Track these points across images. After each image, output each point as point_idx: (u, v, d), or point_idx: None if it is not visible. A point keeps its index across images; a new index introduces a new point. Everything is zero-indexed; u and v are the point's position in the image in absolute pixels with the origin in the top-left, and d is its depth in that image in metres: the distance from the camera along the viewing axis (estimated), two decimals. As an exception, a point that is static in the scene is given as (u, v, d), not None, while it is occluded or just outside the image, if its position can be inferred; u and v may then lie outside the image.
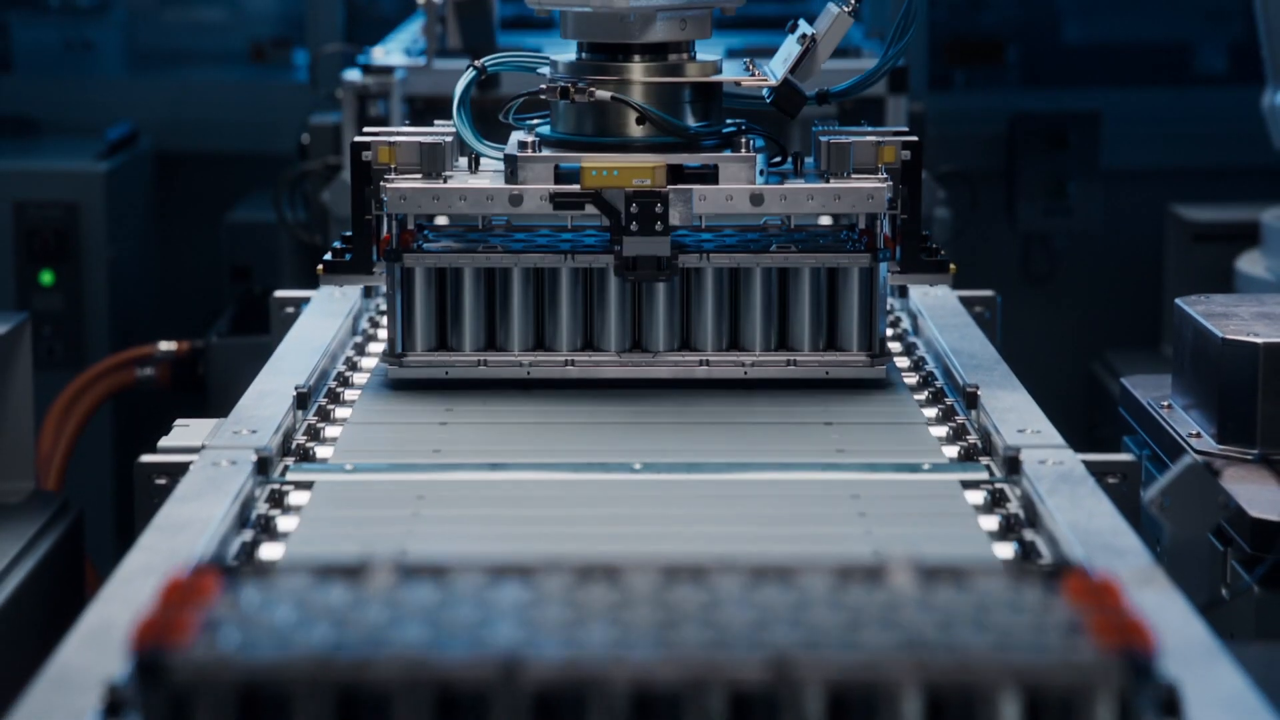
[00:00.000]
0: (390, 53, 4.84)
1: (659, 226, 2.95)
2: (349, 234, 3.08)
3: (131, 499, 2.66)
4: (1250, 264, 4.65)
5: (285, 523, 2.45)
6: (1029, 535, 2.38)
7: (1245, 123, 5.23)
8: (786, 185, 3.01)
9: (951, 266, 3.09)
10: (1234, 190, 5.66)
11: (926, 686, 1.58)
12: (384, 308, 3.65)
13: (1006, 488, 2.56)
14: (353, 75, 4.63)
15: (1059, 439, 2.67)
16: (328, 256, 3.10)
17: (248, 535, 2.37)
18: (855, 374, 2.99)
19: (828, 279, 3.00)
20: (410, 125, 4.40)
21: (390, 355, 3.01)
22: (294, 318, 3.46)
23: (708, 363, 3.00)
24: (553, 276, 2.99)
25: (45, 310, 5.27)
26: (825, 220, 3.66)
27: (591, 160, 2.96)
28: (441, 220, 3.56)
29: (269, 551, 2.34)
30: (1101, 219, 6.11)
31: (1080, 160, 6.06)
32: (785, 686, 1.56)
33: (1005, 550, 2.35)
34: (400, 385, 3.00)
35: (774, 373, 2.99)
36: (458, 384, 3.00)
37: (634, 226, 2.95)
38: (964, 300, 3.58)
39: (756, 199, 2.99)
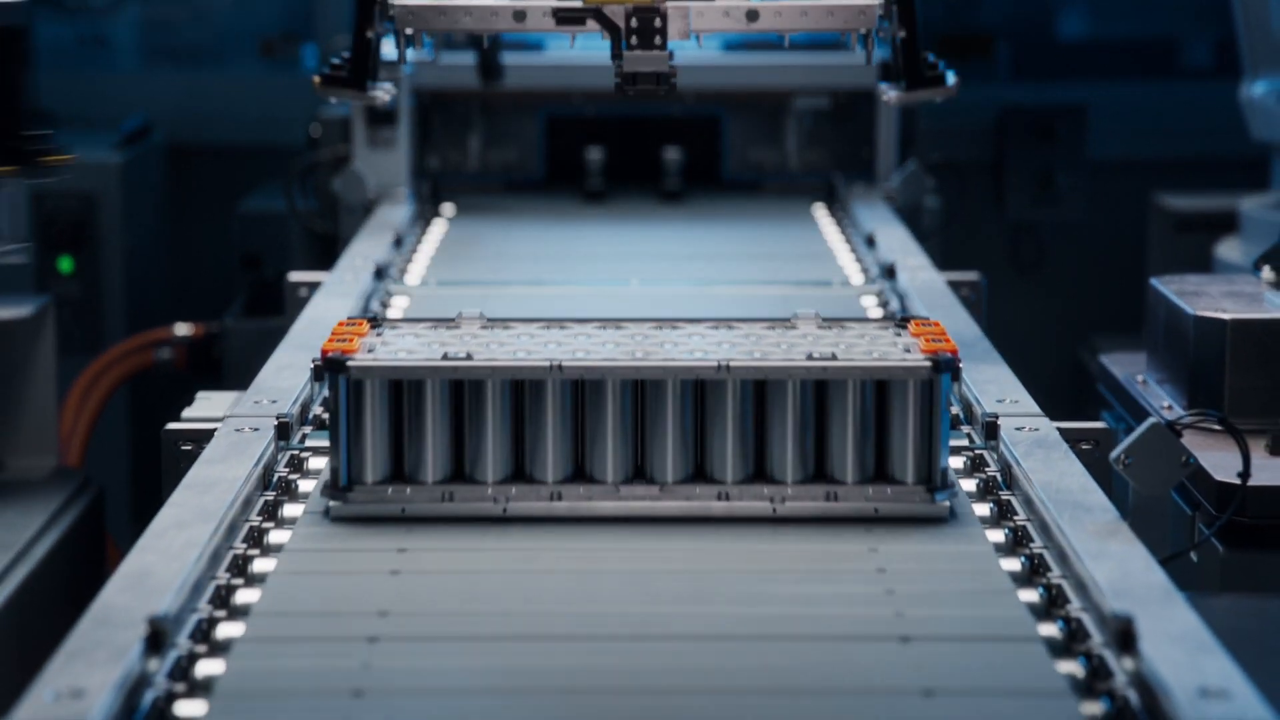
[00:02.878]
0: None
1: (658, 41, 3.02)
2: (347, 53, 3.14)
3: (148, 478, 2.77)
4: (1229, 250, 4.77)
5: (305, 485, 2.59)
6: (1004, 495, 2.52)
7: (1227, 115, 5.35)
8: (781, 1, 3.09)
9: (950, 78, 3.12)
10: (1215, 180, 5.77)
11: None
12: (396, 288, 3.80)
13: (985, 453, 2.70)
14: (361, 69, 4.74)
15: (1035, 408, 2.80)
16: (326, 71, 3.15)
17: (270, 495, 2.51)
18: (911, 510, 2.44)
19: (876, 393, 2.46)
20: (417, 119, 4.53)
21: (332, 489, 2.45)
22: (307, 299, 3.60)
23: (727, 496, 2.45)
24: (536, 391, 2.45)
25: (64, 296, 5.36)
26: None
27: None
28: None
29: (291, 511, 2.49)
30: (1087, 208, 6.23)
31: (1067, 152, 6.18)
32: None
33: (982, 510, 2.50)
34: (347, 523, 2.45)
35: (810, 508, 2.45)
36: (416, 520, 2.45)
37: (633, 40, 3.02)
38: (950, 283, 3.72)
39: (752, 15, 3.09)
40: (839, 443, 2.46)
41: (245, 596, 2.19)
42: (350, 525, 2.42)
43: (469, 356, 2.45)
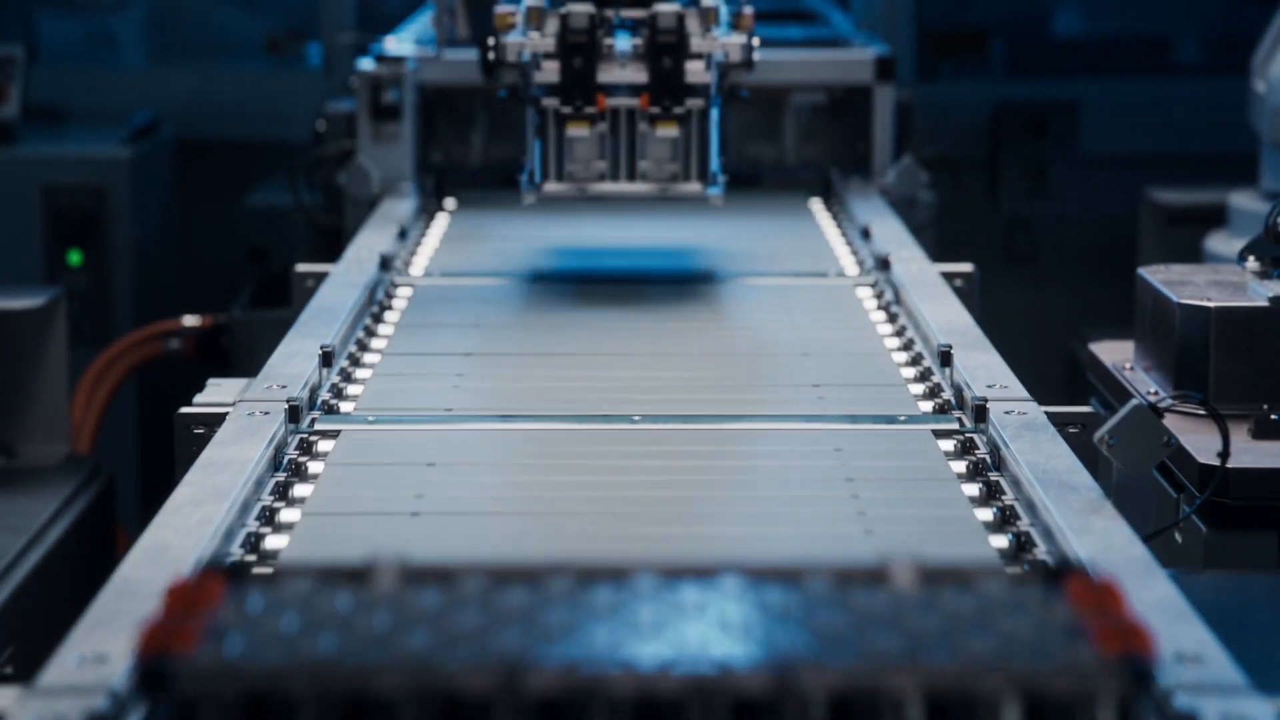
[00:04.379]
0: (402, 43, 5.01)
1: None
2: None
3: (158, 464, 2.83)
4: (1218, 243, 4.84)
5: (314, 466, 2.67)
6: (993, 476, 2.59)
7: (1217, 110, 5.42)
8: None
9: None
10: (1205, 174, 5.84)
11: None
12: (400, 279, 3.88)
13: (975, 436, 2.77)
14: (366, 65, 4.79)
15: (1024, 393, 2.88)
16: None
17: (281, 477, 2.58)
18: None
19: (1028, 714, 1.48)
20: (421, 115, 4.54)
21: None
22: (313, 290, 3.67)
23: None
24: (478, 718, 1.45)
25: (73, 288, 5.43)
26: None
27: None
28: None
29: (301, 490, 2.56)
30: (1080, 202, 6.31)
31: (1060, 146, 6.25)
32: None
33: (971, 489, 2.57)
34: None
35: None
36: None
37: None
38: (944, 274, 3.80)
39: None
40: None
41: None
42: None
43: (371, 653, 1.48)
